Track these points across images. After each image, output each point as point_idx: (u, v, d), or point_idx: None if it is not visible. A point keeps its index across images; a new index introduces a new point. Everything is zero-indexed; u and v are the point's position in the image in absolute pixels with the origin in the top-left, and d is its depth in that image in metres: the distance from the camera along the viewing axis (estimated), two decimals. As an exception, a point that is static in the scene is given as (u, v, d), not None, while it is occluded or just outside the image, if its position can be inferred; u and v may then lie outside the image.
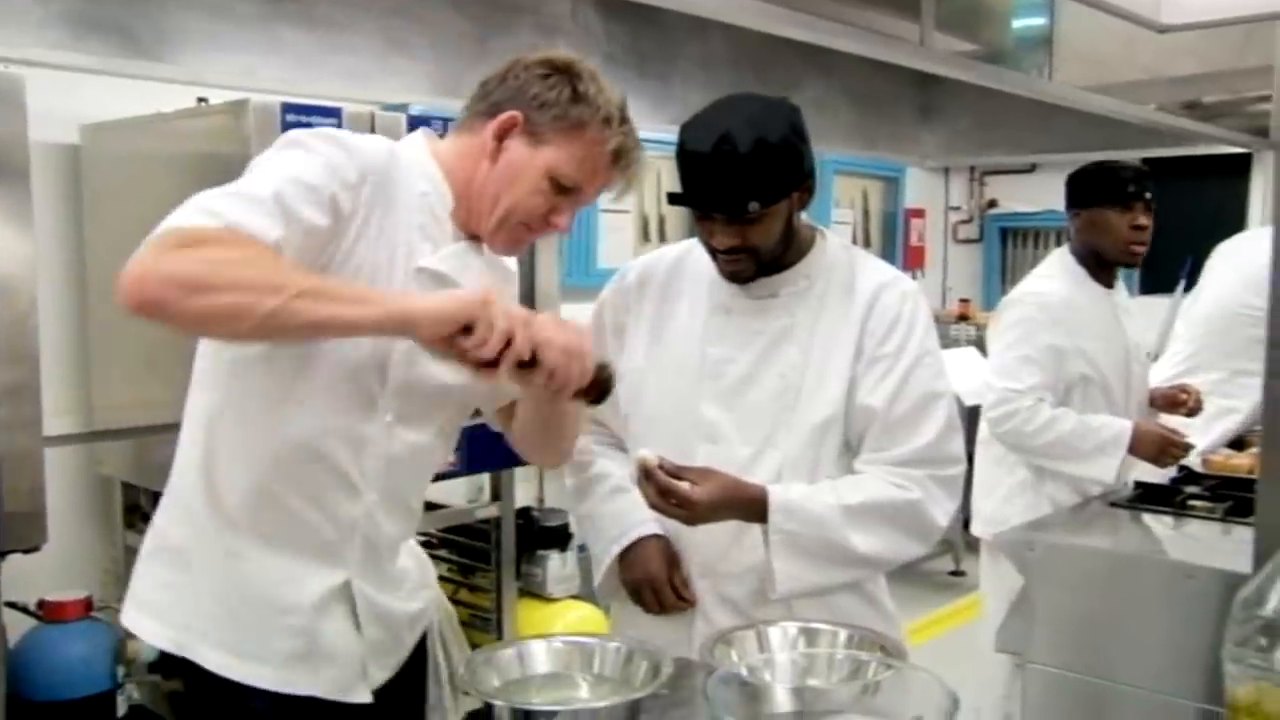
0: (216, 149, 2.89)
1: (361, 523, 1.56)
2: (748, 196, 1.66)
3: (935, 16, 3.42)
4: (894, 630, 1.80)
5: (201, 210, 1.30)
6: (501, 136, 1.54)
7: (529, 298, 3.65)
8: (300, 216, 1.36)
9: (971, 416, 5.39)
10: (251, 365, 1.47)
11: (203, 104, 3.16)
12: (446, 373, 1.49)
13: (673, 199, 1.74)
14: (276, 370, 1.46)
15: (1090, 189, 2.86)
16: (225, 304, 1.23)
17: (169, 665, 1.55)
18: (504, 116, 1.53)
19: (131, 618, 1.58)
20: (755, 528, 1.73)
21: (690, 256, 1.89)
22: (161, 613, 1.55)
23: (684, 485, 1.64)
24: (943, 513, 1.75)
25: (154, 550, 1.58)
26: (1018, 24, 4.34)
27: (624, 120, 1.58)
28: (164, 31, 3.12)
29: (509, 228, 1.57)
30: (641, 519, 1.83)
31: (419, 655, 1.75)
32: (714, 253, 1.77)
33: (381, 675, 1.62)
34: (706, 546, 1.79)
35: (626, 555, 1.82)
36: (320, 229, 1.39)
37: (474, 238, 1.61)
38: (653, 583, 1.78)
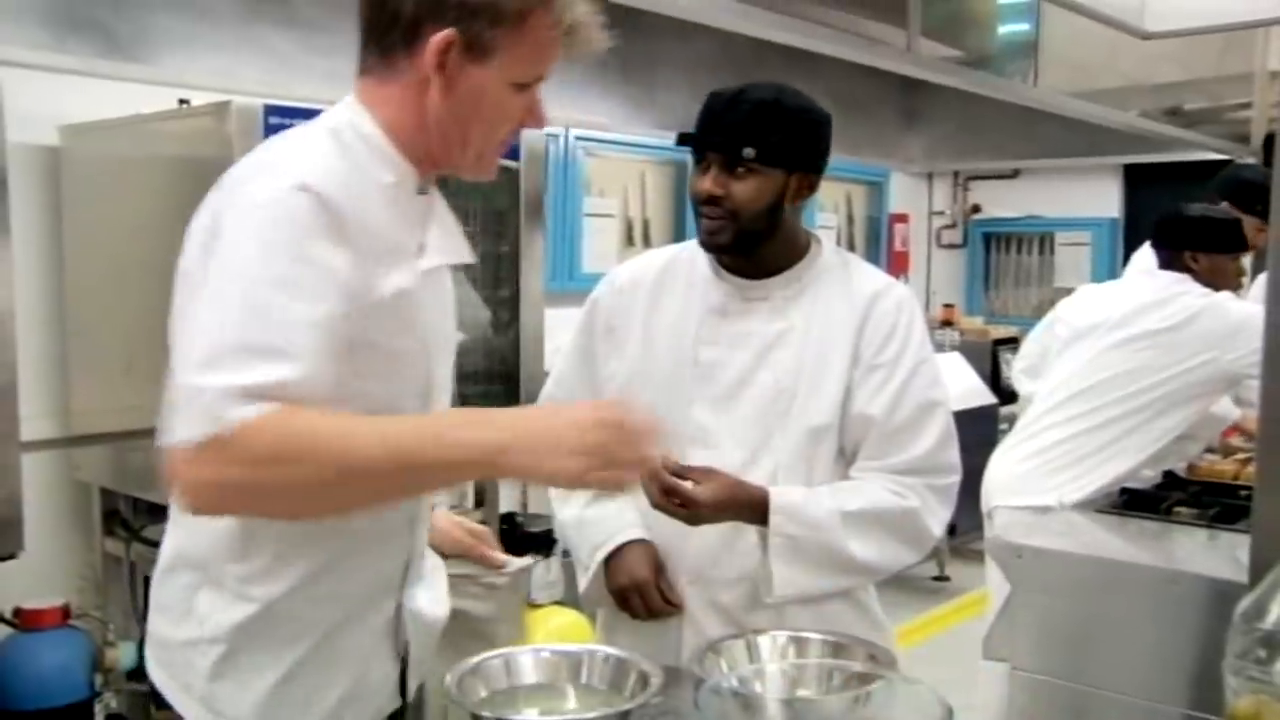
0: (198, 151, 2.86)
1: (415, 541, 1.47)
2: (746, 140, 1.66)
3: (921, 22, 3.43)
4: (884, 638, 1.78)
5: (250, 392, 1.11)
6: (440, 65, 1.27)
7: (514, 303, 3.63)
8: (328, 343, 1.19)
9: (957, 422, 5.43)
10: None
11: (184, 105, 3.12)
12: None
13: (681, 139, 1.74)
14: None
15: (1215, 238, 3.00)
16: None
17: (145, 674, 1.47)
18: (437, 40, 1.25)
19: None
20: (748, 533, 1.71)
21: (682, 259, 1.87)
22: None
23: (687, 485, 1.62)
24: (938, 522, 1.74)
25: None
26: (1003, 30, 4.36)
27: None
28: (145, 32, 3.10)
29: (490, 154, 1.37)
30: (626, 524, 1.81)
31: None
32: (699, 213, 1.75)
33: (419, 680, 1.53)
34: (698, 553, 1.77)
35: (611, 561, 1.80)
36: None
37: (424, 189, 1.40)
38: (639, 588, 1.75)
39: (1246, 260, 3.20)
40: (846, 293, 1.76)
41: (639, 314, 1.84)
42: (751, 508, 1.66)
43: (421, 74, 1.28)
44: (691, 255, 1.84)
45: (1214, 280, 2.95)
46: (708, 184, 1.70)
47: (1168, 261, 3.00)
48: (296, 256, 1.18)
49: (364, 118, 1.32)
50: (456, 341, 1.53)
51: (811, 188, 1.76)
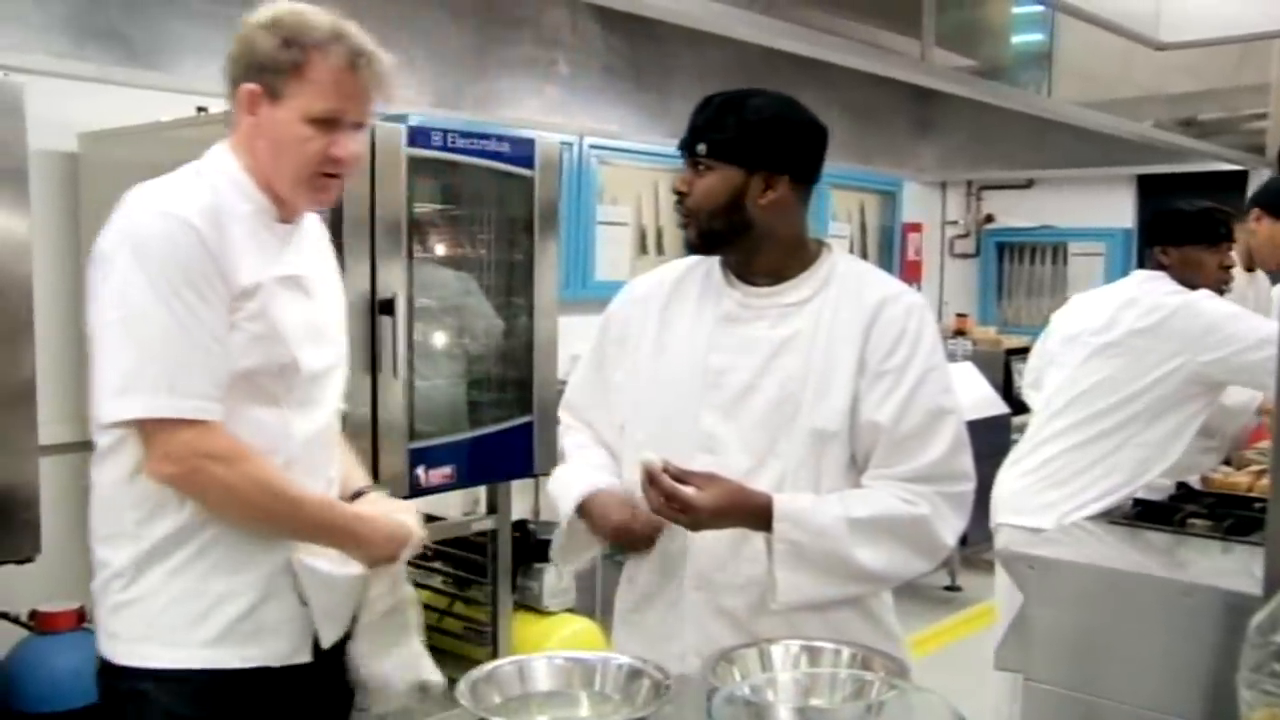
0: (215, 158, 2.88)
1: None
2: (700, 137, 1.72)
3: (935, 32, 3.43)
4: (896, 648, 1.78)
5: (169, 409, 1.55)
6: (253, 111, 1.62)
7: (527, 311, 3.64)
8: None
9: (970, 431, 5.42)
10: None
11: (202, 113, 3.15)
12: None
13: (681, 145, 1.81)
14: None
15: (1183, 229, 2.93)
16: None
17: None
18: (242, 91, 1.62)
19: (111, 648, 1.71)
20: (755, 539, 1.71)
21: (697, 270, 1.89)
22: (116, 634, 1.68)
23: (688, 490, 1.63)
24: (950, 530, 1.72)
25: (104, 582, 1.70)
26: (1017, 40, 4.36)
27: (339, 33, 1.63)
28: (163, 40, 3.12)
29: (304, 184, 1.65)
30: (584, 481, 1.84)
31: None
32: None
33: (335, 632, 1.73)
34: (704, 557, 1.77)
35: (590, 518, 1.82)
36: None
37: (291, 220, 1.73)
38: (621, 530, 1.77)
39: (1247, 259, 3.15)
40: (856, 299, 1.76)
41: (652, 324, 1.86)
42: (755, 514, 1.66)
43: (244, 120, 1.65)
44: (707, 265, 1.86)
45: (1188, 275, 2.87)
46: (676, 181, 1.78)
47: (1149, 261, 2.97)
48: (183, 282, 1.54)
49: (229, 160, 1.67)
50: (340, 339, 1.82)
51: (780, 190, 1.74)
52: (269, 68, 1.60)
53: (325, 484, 1.76)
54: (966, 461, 1.75)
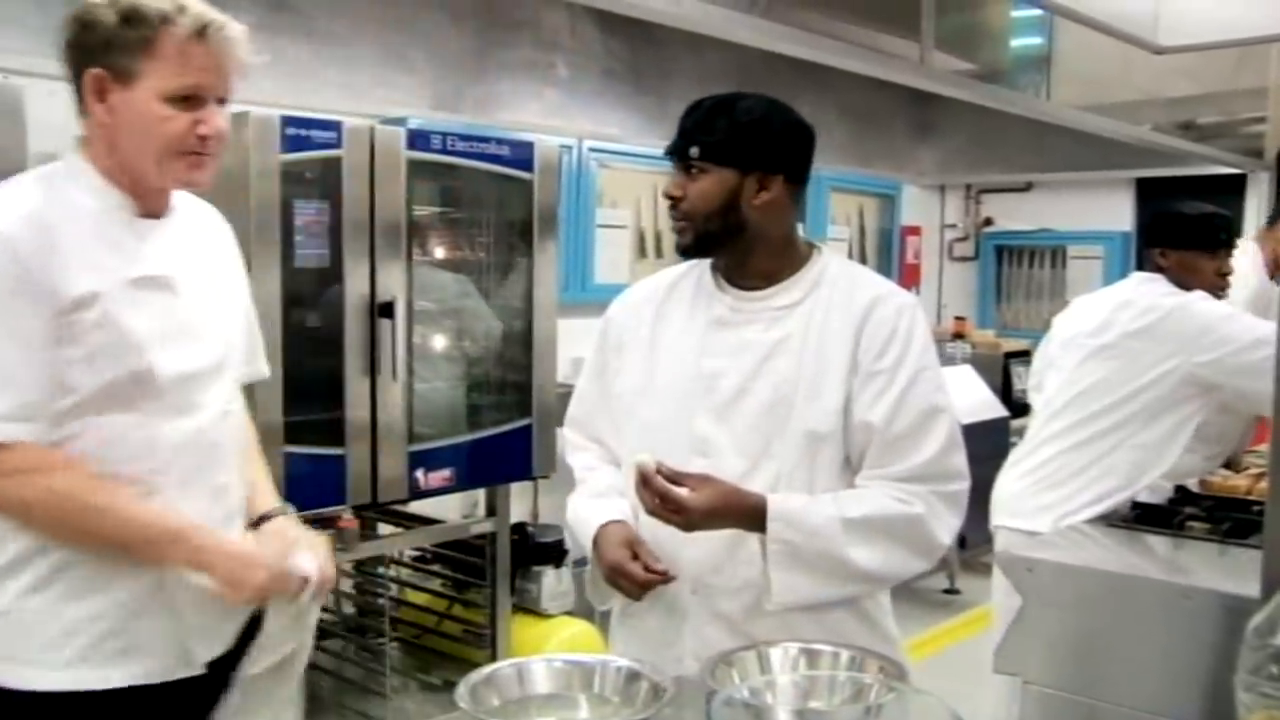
0: (215, 161, 2.89)
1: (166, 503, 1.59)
2: (692, 140, 1.71)
3: (934, 36, 3.43)
4: (893, 650, 1.78)
5: None
6: (103, 98, 1.51)
7: (526, 313, 3.65)
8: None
9: (968, 435, 5.42)
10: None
11: (201, 115, 3.15)
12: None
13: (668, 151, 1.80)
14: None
15: (1183, 232, 2.91)
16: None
17: None
18: (88, 78, 1.50)
19: None
20: (751, 541, 1.71)
21: (690, 276, 1.89)
22: None
23: (681, 491, 1.63)
24: (946, 529, 1.72)
25: None
26: (1016, 44, 4.37)
27: (181, 4, 1.52)
28: (163, 43, 3.12)
29: (170, 163, 1.54)
30: (603, 513, 1.82)
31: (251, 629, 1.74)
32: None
33: (214, 649, 1.66)
34: (700, 560, 1.76)
35: (597, 550, 1.80)
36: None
37: (155, 213, 1.62)
38: (615, 570, 1.74)
39: (1256, 271, 3.15)
40: (847, 300, 1.76)
41: (646, 329, 1.87)
42: (749, 514, 1.66)
43: (95, 112, 1.53)
44: (700, 270, 1.86)
45: (1185, 279, 2.86)
46: (667, 186, 1.76)
47: (1147, 262, 2.95)
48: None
49: (78, 160, 1.57)
50: (224, 339, 1.70)
51: (774, 190, 1.74)
52: (114, 48, 1.49)
53: (210, 493, 1.64)
54: (960, 460, 1.75)
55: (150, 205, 1.60)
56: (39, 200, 1.51)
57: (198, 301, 1.64)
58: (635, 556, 1.73)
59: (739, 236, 1.75)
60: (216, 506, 1.66)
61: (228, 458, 1.69)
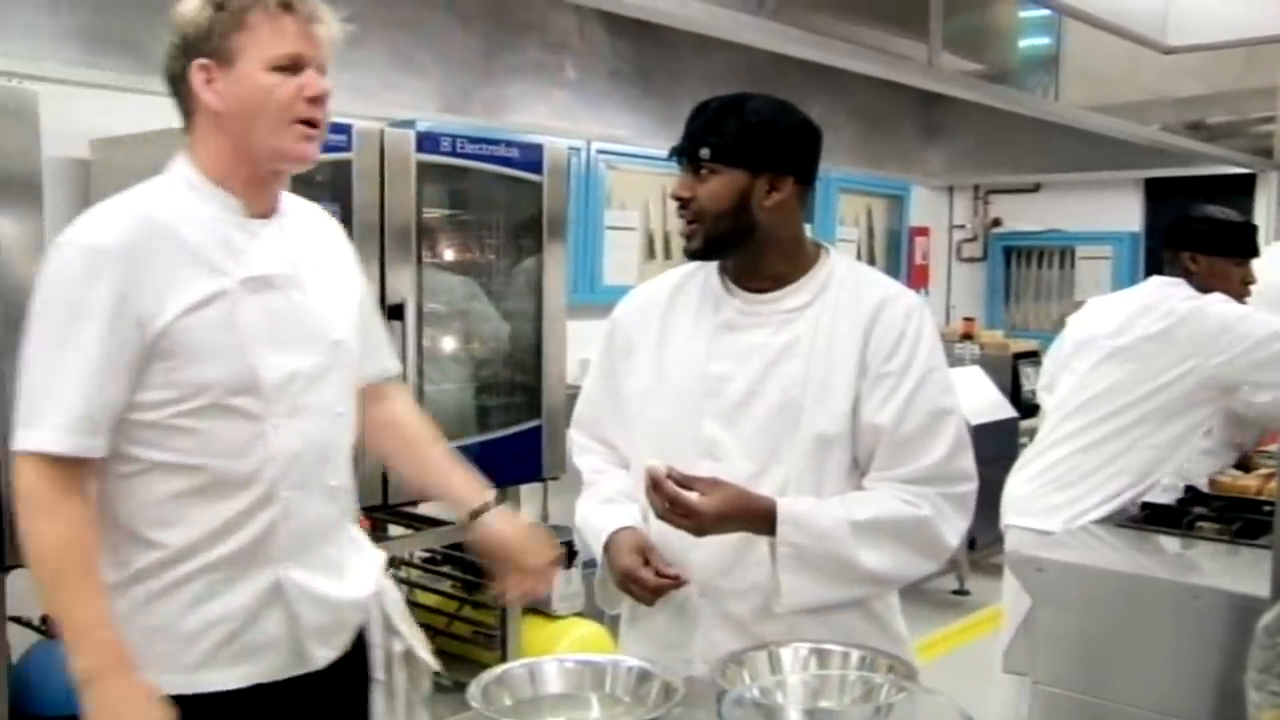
0: (226, 164, 2.90)
1: (282, 520, 1.61)
2: (702, 141, 1.71)
3: (943, 37, 3.43)
4: (903, 651, 1.78)
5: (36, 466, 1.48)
6: (211, 84, 1.56)
7: (535, 315, 3.66)
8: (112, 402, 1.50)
9: (977, 435, 5.41)
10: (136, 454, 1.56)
11: (213, 119, 3.17)
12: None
13: (673, 152, 1.79)
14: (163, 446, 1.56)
15: (1216, 239, 2.90)
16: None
17: None
18: (194, 69, 1.55)
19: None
20: (759, 544, 1.72)
21: (696, 277, 1.89)
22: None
23: (691, 495, 1.63)
24: (953, 531, 1.73)
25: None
26: (1024, 44, 4.36)
27: None
28: (174, 47, 3.14)
29: (286, 136, 1.58)
30: (616, 518, 1.82)
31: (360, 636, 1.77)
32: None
33: (327, 653, 1.67)
34: (709, 564, 1.77)
35: (608, 556, 1.81)
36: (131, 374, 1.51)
37: (265, 213, 1.64)
38: (627, 576, 1.75)
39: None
40: (855, 302, 1.77)
41: (653, 332, 1.86)
42: (758, 518, 1.67)
43: (204, 103, 1.57)
44: (706, 272, 1.86)
45: (1212, 285, 2.85)
46: (678, 185, 1.76)
47: (1170, 264, 2.93)
48: (64, 312, 1.49)
49: (185, 167, 1.62)
50: (335, 339, 1.69)
51: (784, 190, 1.74)
52: (212, 34, 1.54)
53: (324, 494, 1.66)
54: (968, 462, 1.75)
55: (260, 205, 1.63)
56: (146, 207, 1.55)
57: (306, 302, 1.65)
58: (647, 562, 1.73)
59: (749, 238, 1.75)
60: (331, 506, 1.68)
61: (341, 460, 1.71)
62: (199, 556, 1.56)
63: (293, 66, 1.56)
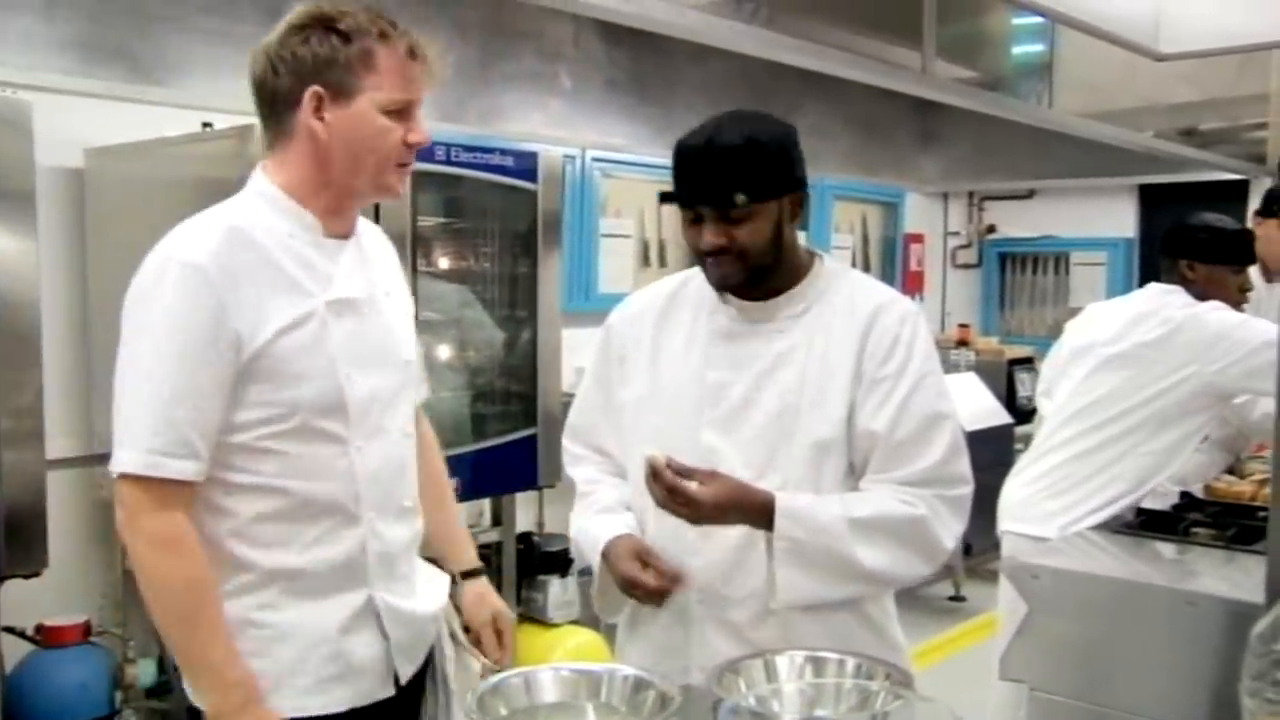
0: (221, 173, 2.90)
1: (369, 540, 1.63)
2: (735, 188, 1.67)
3: (936, 44, 3.44)
4: (899, 658, 1.79)
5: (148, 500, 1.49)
6: (319, 115, 1.55)
7: (531, 323, 3.66)
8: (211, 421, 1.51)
9: (972, 442, 5.42)
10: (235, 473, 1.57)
11: (207, 128, 3.17)
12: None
13: (665, 197, 1.75)
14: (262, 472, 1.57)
15: (1215, 248, 2.90)
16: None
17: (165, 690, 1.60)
18: (307, 97, 1.54)
19: None
20: (758, 551, 1.72)
21: (690, 285, 1.89)
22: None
23: (690, 485, 1.64)
24: (949, 534, 1.73)
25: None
26: (1017, 51, 4.36)
27: (390, 22, 1.58)
28: (169, 57, 3.15)
29: (385, 175, 1.60)
30: (612, 526, 1.83)
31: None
32: (703, 259, 1.75)
33: (410, 669, 1.71)
34: (708, 571, 1.77)
35: (607, 563, 1.81)
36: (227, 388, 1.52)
37: (342, 235, 1.65)
38: (628, 581, 1.75)
39: (1256, 276, 3.15)
40: (849, 309, 1.77)
41: (648, 340, 1.87)
42: (757, 511, 1.67)
43: (307, 130, 1.55)
44: (700, 279, 1.85)
45: (1210, 292, 2.86)
46: (710, 237, 1.71)
47: (1167, 271, 2.93)
48: (163, 334, 1.49)
49: (267, 185, 1.60)
50: (406, 359, 1.73)
51: (802, 203, 1.76)
52: (335, 65, 1.53)
53: (398, 514, 1.69)
54: (964, 465, 1.76)
55: (340, 226, 1.64)
56: (236, 223, 1.55)
57: (382, 323, 1.68)
58: (646, 566, 1.74)
59: (782, 258, 1.76)
60: (405, 528, 1.71)
61: (411, 479, 1.74)
62: (289, 579, 1.57)
63: (402, 111, 1.58)
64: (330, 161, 1.57)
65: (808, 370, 1.75)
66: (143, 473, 1.47)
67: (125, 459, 1.48)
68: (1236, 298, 2.91)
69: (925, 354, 1.76)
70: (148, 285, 1.51)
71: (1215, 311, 2.80)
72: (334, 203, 1.62)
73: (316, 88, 1.53)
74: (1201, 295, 2.86)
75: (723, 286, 1.77)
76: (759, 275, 1.75)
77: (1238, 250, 2.92)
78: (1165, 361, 2.78)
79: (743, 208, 1.68)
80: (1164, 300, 2.87)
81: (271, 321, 1.52)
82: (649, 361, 1.86)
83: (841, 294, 1.79)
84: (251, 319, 1.50)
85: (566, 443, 2.02)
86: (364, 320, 1.63)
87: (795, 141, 1.75)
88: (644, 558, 1.75)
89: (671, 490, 1.63)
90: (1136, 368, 2.82)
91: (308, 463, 1.56)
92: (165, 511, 1.49)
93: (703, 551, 1.74)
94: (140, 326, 1.51)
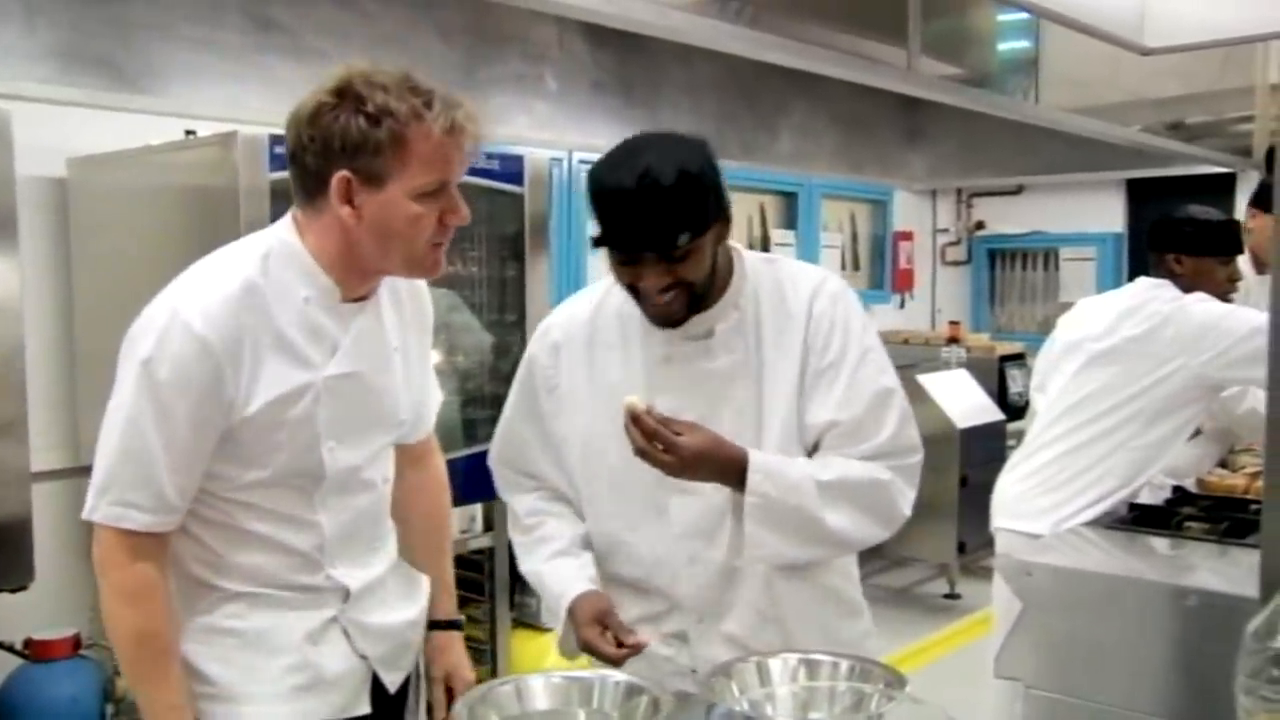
0: (205, 181, 2.88)
1: (341, 577, 1.65)
2: (678, 229, 1.59)
3: (921, 41, 3.44)
4: (866, 623, 1.87)
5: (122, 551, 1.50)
6: (349, 200, 1.47)
7: (519, 326, 3.64)
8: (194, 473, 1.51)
9: (965, 439, 5.43)
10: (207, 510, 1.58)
11: (191, 136, 3.15)
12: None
13: (597, 243, 1.65)
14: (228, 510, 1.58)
15: (1200, 239, 2.91)
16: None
17: None
18: (335, 182, 1.45)
19: None
20: (746, 568, 1.73)
21: (609, 302, 1.82)
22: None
23: (670, 432, 1.61)
24: (906, 501, 1.75)
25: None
26: (1003, 48, 4.37)
27: (427, 99, 1.46)
28: (151, 64, 3.12)
29: (420, 259, 1.53)
30: (581, 580, 1.80)
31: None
32: (640, 298, 1.69)
33: (398, 675, 1.73)
34: (699, 595, 1.77)
35: (572, 619, 1.79)
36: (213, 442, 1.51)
37: (360, 297, 1.60)
38: (588, 645, 1.73)
39: (1246, 266, 3.15)
40: (782, 304, 1.76)
41: (579, 370, 1.82)
42: (731, 465, 1.65)
43: (336, 211, 1.47)
44: (617, 303, 1.79)
45: (1198, 285, 2.86)
46: (654, 279, 1.64)
47: (1155, 266, 2.94)
48: (156, 387, 1.46)
49: (295, 240, 1.54)
50: (400, 420, 1.72)
51: (729, 221, 1.72)
52: (364, 150, 1.43)
53: (369, 553, 1.69)
54: (914, 433, 1.77)
55: (360, 292, 1.59)
56: (248, 281, 1.49)
57: (383, 390, 1.65)
58: (605, 629, 1.72)
59: (715, 278, 1.73)
60: (379, 562, 1.72)
61: (384, 521, 1.74)
62: (254, 597, 1.59)
63: (440, 191, 1.49)
64: (359, 245, 1.50)
65: (761, 381, 1.74)
66: (110, 524, 1.49)
67: (96, 506, 1.50)
68: (1225, 288, 2.91)
69: (861, 330, 1.76)
70: (150, 340, 1.46)
71: (1201, 303, 2.80)
72: (360, 277, 1.57)
73: (345, 172, 1.45)
74: (1190, 287, 2.86)
75: (666, 323, 1.72)
76: (698, 303, 1.71)
77: (1223, 241, 2.92)
78: (1153, 355, 2.78)
79: (685, 246, 1.61)
80: (1151, 294, 2.88)
81: (265, 392, 1.50)
82: (588, 391, 1.81)
83: (771, 290, 1.77)
84: (246, 386, 1.48)
85: (496, 468, 1.98)
86: (363, 390, 1.61)
87: (715, 163, 1.69)
88: (604, 619, 1.73)
89: (652, 436, 1.60)
90: (1125, 362, 2.82)
91: (276, 512, 1.57)
92: (136, 563, 1.50)
93: (691, 576, 1.76)
94: (134, 379, 1.47)
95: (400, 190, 1.46)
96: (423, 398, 1.82)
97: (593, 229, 1.66)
